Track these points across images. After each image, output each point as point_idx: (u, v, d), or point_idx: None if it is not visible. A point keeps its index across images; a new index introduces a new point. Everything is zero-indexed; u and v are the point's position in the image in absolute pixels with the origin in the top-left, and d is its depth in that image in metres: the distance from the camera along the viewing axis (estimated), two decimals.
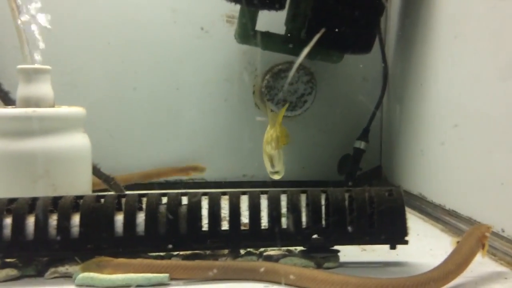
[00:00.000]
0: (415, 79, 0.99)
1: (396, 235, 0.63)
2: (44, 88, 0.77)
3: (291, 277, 0.56)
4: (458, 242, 0.60)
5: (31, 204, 0.61)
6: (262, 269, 0.58)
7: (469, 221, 0.79)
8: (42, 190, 0.72)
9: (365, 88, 1.15)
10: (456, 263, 0.55)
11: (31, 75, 0.76)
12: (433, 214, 0.90)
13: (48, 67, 0.78)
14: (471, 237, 0.59)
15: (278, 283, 0.58)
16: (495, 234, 0.71)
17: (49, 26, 0.78)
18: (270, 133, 0.80)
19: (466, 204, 0.81)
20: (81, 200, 0.62)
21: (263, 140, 0.82)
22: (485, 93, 0.76)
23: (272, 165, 0.79)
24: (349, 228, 0.63)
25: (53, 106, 0.78)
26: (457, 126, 0.83)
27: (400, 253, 0.68)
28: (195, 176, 1.11)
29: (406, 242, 0.64)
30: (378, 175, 1.16)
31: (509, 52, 0.70)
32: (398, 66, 1.09)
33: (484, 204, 0.75)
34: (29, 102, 0.76)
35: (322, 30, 0.88)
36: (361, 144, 1.08)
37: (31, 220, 0.60)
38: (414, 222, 0.88)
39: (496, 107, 0.73)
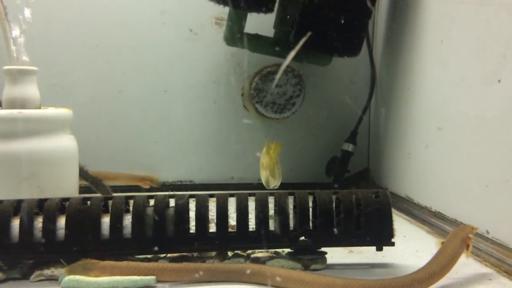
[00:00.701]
0: (402, 82, 1.00)
1: (382, 237, 0.64)
2: (30, 89, 0.77)
3: (278, 279, 0.56)
4: (442, 243, 0.60)
5: (16, 207, 0.60)
6: (248, 271, 0.58)
7: (454, 222, 0.80)
8: (28, 192, 0.71)
9: (353, 91, 1.15)
10: (440, 264, 0.56)
11: (17, 76, 0.75)
12: (419, 216, 0.91)
13: (34, 68, 0.78)
14: (456, 238, 0.59)
15: (265, 285, 0.58)
16: (480, 235, 0.72)
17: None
18: (266, 159, 0.84)
19: (452, 206, 0.81)
20: (67, 203, 0.61)
21: (260, 162, 0.87)
22: (470, 97, 0.77)
23: (268, 185, 0.85)
24: (336, 230, 0.63)
25: (39, 108, 0.78)
26: (441, 129, 0.84)
27: (387, 254, 0.68)
28: (183, 178, 1.11)
29: (392, 244, 0.64)
30: (366, 177, 1.17)
31: (493, 57, 0.71)
32: (386, 70, 1.10)
33: (470, 206, 0.76)
34: (14, 104, 0.75)
35: (309, 34, 0.89)
36: (349, 147, 1.09)
37: (16, 223, 0.59)
38: (401, 224, 0.89)
39: (481, 110, 0.74)
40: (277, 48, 1.00)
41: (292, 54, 0.75)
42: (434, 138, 0.87)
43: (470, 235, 0.60)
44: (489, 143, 0.72)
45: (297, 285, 0.56)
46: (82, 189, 0.84)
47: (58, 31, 1.05)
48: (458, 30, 0.80)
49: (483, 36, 0.73)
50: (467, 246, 0.59)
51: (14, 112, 0.72)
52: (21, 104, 0.75)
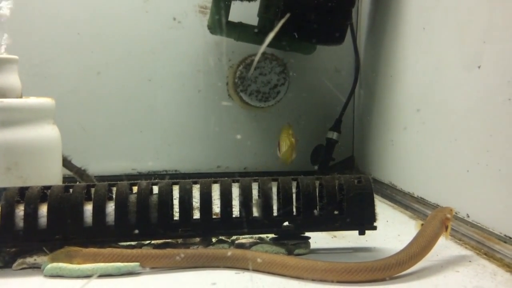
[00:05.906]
0: (385, 70, 1.01)
1: (364, 221, 0.64)
2: (11, 79, 0.76)
3: (260, 263, 0.57)
4: (422, 225, 0.61)
5: None
6: (229, 253, 0.58)
7: (436, 207, 0.81)
8: (11, 183, 0.70)
9: (337, 79, 1.16)
10: (420, 246, 0.57)
11: None
12: (402, 202, 0.92)
13: (15, 57, 0.77)
14: (435, 219, 0.60)
15: (248, 269, 0.58)
16: (460, 219, 0.73)
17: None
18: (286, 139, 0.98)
19: (434, 192, 0.83)
20: (49, 190, 0.61)
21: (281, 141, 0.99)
22: (450, 83, 0.77)
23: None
24: (319, 215, 0.63)
25: (20, 97, 0.77)
26: (419, 110, 0.85)
27: (369, 239, 0.69)
28: (169, 167, 1.11)
29: (374, 228, 0.65)
30: (351, 165, 1.18)
31: (473, 44, 0.71)
32: (370, 58, 1.11)
33: (450, 191, 0.78)
34: None
35: (287, 15, 0.89)
36: (334, 135, 1.10)
37: None
38: (384, 209, 0.90)
39: (461, 96, 0.75)
40: (261, 37, 1.00)
41: (271, 36, 0.75)
42: (412, 120, 0.88)
43: (449, 216, 0.61)
44: (468, 128, 0.73)
45: (280, 269, 0.57)
46: (66, 179, 0.84)
47: (40, 20, 1.03)
48: (439, 17, 0.81)
49: (464, 23, 0.74)
50: (446, 227, 0.60)
51: None
52: (2, 93, 0.74)
